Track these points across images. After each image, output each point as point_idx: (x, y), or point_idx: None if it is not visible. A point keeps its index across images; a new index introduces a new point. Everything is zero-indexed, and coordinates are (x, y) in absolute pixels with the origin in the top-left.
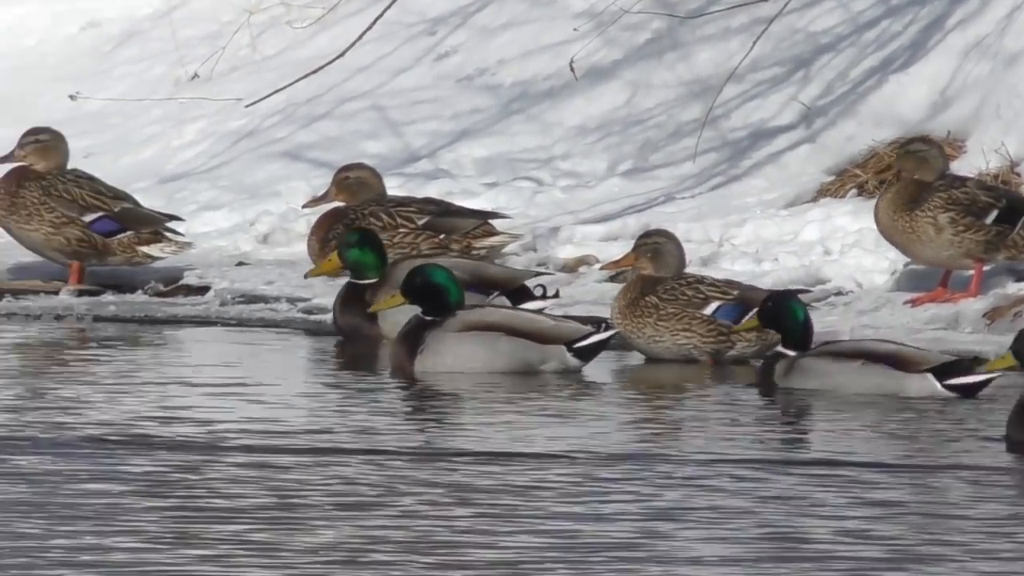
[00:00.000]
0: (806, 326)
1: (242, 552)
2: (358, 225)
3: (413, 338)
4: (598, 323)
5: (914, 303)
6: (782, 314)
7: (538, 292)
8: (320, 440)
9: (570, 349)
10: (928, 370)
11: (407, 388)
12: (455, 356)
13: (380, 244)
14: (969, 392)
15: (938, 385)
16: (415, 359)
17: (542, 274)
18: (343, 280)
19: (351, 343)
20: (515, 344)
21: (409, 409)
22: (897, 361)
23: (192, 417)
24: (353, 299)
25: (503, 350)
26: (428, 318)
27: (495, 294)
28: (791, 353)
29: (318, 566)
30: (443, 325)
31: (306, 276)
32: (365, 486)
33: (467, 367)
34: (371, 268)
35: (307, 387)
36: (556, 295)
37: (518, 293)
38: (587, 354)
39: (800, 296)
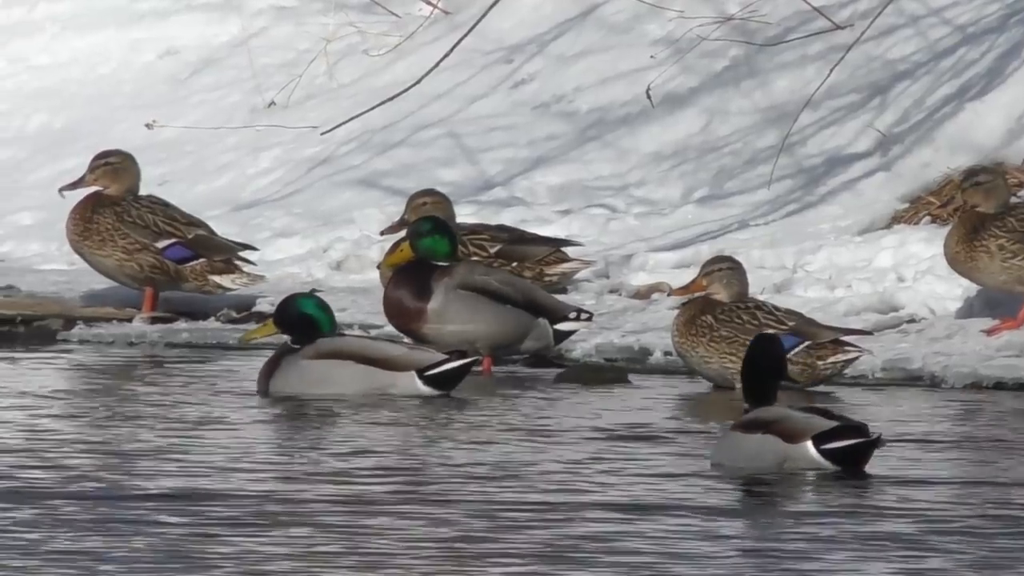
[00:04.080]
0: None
1: None
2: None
3: (273, 362)
4: (460, 353)
5: (989, 332)
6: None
7: (572, 316)
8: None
9: (420, 376)
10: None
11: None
12: (302, 379)
13: (451, 230)
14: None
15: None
16: (270, 381)
17: (581, 311)
18: None
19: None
20: (361, 370)
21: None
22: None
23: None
24: (411, 276)
25: (348, 375)
26: (295, 345)
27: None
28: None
29: None
30: (300, 352)
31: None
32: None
33: (314, 391)
34: (444, 253)
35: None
36: (590, 318)
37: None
38: (441, 381)
39: None
